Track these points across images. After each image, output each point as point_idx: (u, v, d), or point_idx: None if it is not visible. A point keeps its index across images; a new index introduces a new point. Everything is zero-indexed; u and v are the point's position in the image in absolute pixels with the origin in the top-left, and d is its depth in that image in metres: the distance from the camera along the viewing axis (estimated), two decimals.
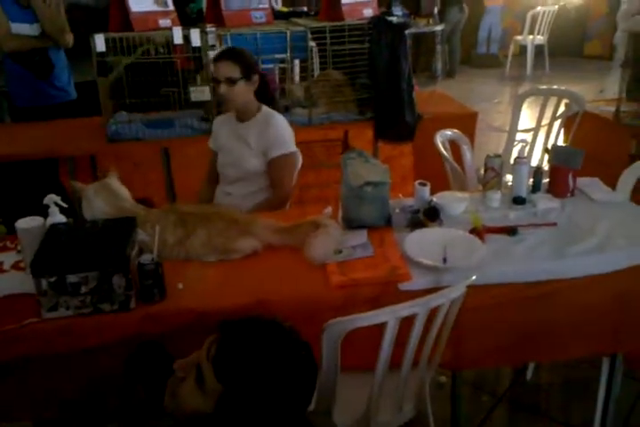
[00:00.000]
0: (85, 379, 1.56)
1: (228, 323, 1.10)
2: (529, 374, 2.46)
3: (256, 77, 2.38)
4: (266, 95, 2.50)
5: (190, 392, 1.09)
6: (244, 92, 2.37)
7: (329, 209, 2.18)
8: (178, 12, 3.23)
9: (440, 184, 2.35)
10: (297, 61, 3.39)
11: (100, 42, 2.85)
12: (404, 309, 1.44)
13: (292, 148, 2.45)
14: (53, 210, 1.78)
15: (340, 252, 1.85)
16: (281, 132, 2.42)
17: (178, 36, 2.93)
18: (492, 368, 2.51)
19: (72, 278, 1.51)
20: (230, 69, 2.32)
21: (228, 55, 2.37)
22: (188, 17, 4.12)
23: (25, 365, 1.55)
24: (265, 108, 2.47)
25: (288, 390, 1.07)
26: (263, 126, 2.41)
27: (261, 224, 1.90)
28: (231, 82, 2.32)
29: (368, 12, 3.33)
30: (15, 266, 1.83)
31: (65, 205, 1.81)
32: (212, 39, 3.00)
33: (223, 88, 2.32)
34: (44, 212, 1.81)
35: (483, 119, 4.00)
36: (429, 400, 1.73)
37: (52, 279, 1.50)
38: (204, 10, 3.84)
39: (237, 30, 3.07)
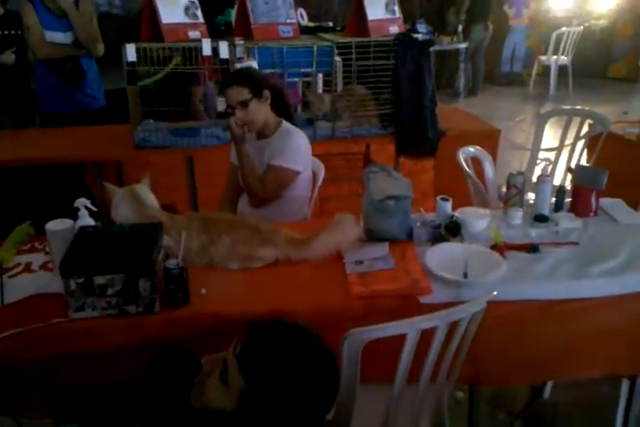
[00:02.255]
0: (108, 380, 1.58)
1: (256, 323, 1.13)
2: (546, 393, 2.44)
3: (267, 92, 2.39)
4: (283, 107, 2.50)
5: (215, 387, 1.12)
6: (258, 109, 2.38)
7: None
8: (207, 24, 3.30)
9: (461, 201, 2.36)
10: (320, 75, 3.43)
11: (130, 51, 2.91)
12: (424, 321, 1.45)
13: (293, 166, 2.41)
14: (83, 213, 1.82)
15: (362, 263, 1.87)
16: (291, 146, 2.41)
17: (207, 47, 2.99)
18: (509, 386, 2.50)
19: (99, 280, 1.54)
20: (239, 93, 2.33)
21: (233, 80, 2.39)
22: (217, 29, 4.20)
23: (50, 364, 1.57)
24: (285, 124, 2.47)
25: (309, 393, 1.09)
26: (283, 143, 2.42)
27: (283, 235, 1.92)
28: (243, 105, 2.34)
29: (394, 29, 3.37)
30: (43, 267, 1.87)
31: (94, 209, 1.85)
32: (239, 52, 3.05)
33: (239, 113, 2.34)
34: (70, 215, 1.85)
35: (505, 137, 4.01)
36: (447, 415, 1.73)
37: (80, 280, 1.54)
38: (233, 23, 3.91)
39: (265, 44, 3.12)
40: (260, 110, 2.39)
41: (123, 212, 1.94)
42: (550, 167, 2.56)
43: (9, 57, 3.47)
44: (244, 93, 2.33)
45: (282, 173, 2.42)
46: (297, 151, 2.43)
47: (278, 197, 2.46)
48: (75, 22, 3.39)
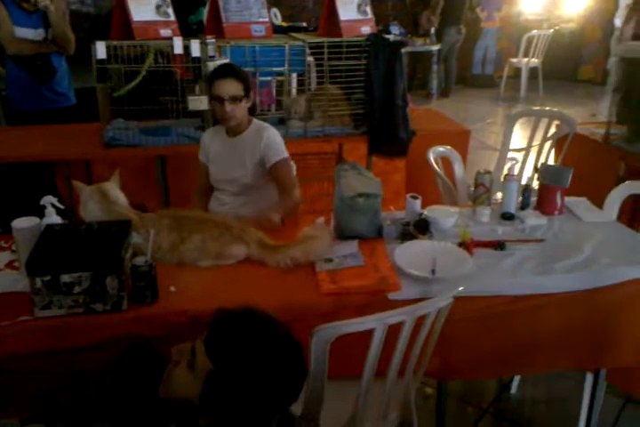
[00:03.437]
0: (75, 378, 1.57)
1: (223, 309, 1.14)
2: (514, 388, 2.49)
3: (251, 94, 2.42)
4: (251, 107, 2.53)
5: (181, 374, 1.13)
6: (244, 109, 2.40)
7: (321, 219, 2.21)
8: (179, 23, 3.29)
9: (431, 200, 2.39)
10: (294, 75, 3.44)
11: (101, 49, 2.88)
12: (391, 316, 1.47)
13: (286, 154, 2.49)
14: (50, 211, 1.80)
15: (331, 260, 1.88)
16: (273, 141, 2.44)
17: (178, 45, 2.97)
18: (477, 381, 2.54)
19: (66, 278, 1.53)
20: (235, 88, 2.33)
21: (232, 73, 2.36)
22: (188, 28, 4.18)
23: (16, 363, 1.55)
24: (255, 121, 2.50)
25: (274, 378, 1.10)
26: (256, 139, 2.43)
27: (254, 236, 1.92)
28: (235, 100, 2.33)
29: (366, 30, 3.39)
30: (9, 265, 1.85)
31: (62, 207, 1.83)
32: (211, 50, 3.04)
33: (228, 107, 2.33)
34: (38, 214, 1.82)
35: (476, 138, 4.07)
36: (414, 409, 1.75)
37: (47, 278, 1.52)
38: (205, 22, 3.90)
39: (237, 43, 3.11)
40: (246, 110, 2.42)
41: (91, 210, 1.92)
42: (518, 167, 2.61)
43: None
44: (239, 88, 2.34)
45: (289, 164, 2.49)
46: (280, 141, 2.48)
47: (264, 186, 2.49)
48: (52, 19, 3.36)
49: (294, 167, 2.59)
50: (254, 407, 1.11)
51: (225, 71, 2.40)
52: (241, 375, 1.08)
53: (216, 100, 2.36)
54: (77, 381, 1.56)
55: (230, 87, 2.33)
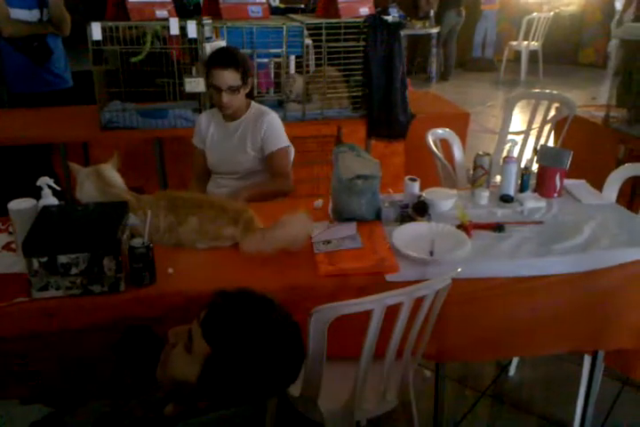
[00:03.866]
0: (73, 360, 1.57)
1: (221, 291, 1.13)
2: (512, 370, 2.50)
3: (250, 80, 2.39)
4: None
5: (179, 356, 1.12)
6: (242, 95, 2.38)
7: (319, 202, 2.21)
8: (175, 4, 3.25)
9: (430, 183, 2.37)
10: (292, 57, 3.41)
11: (96, 30, 2.85)
12: (390, 297, 1.47)
13: (287, 142, 2.48)
14: (46, 192, 1.79)
15: (329, 242, 1.87)
16: (274, 127, 2.43)
17: (174, 26, 2.93)
18: (475, 363, 2.55)
19: (63, 259, 1.52)
20: (233, 78, 2.30)
21: (231, 62, 2.31)
22: (185, 10, 4.14)
23: (14, 344, 1.56)
24: (254, 105, 2.48)
25: (272, 359, 1.10)
26: (256, 123, 2.42)
27: (245, 218, 1.88)
28: (234, 90, 2.31)
29: (364, 11, 3.36)
30: (6, 247, 1.84)
31: (58, 188, 1.82)
32: (208, 31, 3.01)
33: (226, 97, 2.31)
34: (35, 196, 1.81)
35: (475, 121, 4.05)
36: (413, 389, 1.75)
37: (44, 259, 1.51)
38: (202, 3, 3.85)
39: (234, 23, 3.08)
40: (244, 97, 2.40)
41: (87, 191, 1.91)
42: (517, 149, 2.59)
43: None
44: (237, 78, 2.31)
45: (286, 153, 2.48)
46: (280, 127, 2.47)
47: (264, 170, 2.48)
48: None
49: (293, 154, 2.57)
50: (253, 389, 1.11)
51: (223, 59, 2.33)
52: (239, 358, 1.08)
53: (214, 88, 2.34)
54: (75, 362, 1.56)
55: (228, 78, 2.30)
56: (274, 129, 2.43)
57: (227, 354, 1.08)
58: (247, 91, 2.40)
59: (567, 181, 2.31)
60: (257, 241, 1.80)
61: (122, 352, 1.49)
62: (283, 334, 1.12)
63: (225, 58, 2.34)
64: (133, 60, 2.96)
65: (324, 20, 3.15)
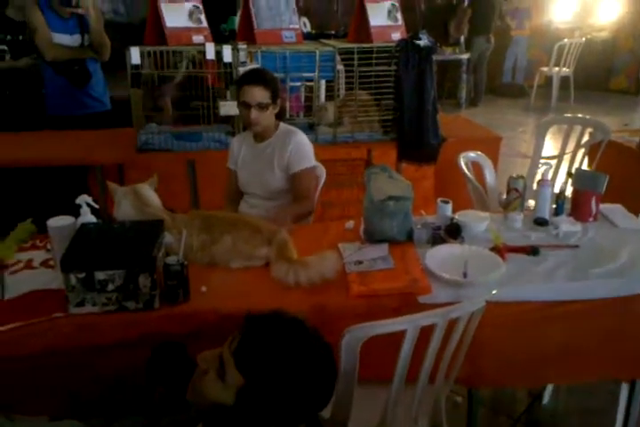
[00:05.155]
0: (107, 376, 1.58)
1: (251, 317, 1.13)
2: (546, 398, 2.43)
3: (280, 101, 2.42)
4: (281, 110, 2.52)
5: (212, 384, 1.12)
6: (271, 115, 2.41)
7: (351, 223, 2.21)
8: (211, 30, 3.33)
9: (460, 207, 2.35)
10: (323, 81, 3.45)
11: (135, 54, 2.94)
12: (423, 318, 1.45)
13: (313, 162, 2.49)
14: (85, 210, 1.83)
15: (361, 263, 1.87)
16: (300, 147, 2.45)
17: (210, 51, 3.01)
18: (508, 390, 2.49)
19: (100, 276, 1.55)
20: (262, 95, 2.34)
21: (260, 80, 2.36)
22: (220, 36, 4.24)
23: (48, 359, 1.57)
24: (282, 125, 2.51)
25: (306, 386, 1.09)
26: (283, 143, 2.44)
27: (280, 237, 1.90)
28: (262, 107, 2.35)
29: (396, 36, 3.40)
30: (44, 263, 1.88)
31: (96, 206, 1.85)
32: (243, 56, 3.07)
33: (254, 114, 2.34)
34: (71, 215, 1.85)
35: (506, 146, 4.03)
36: (445, 415, 1.72)
37: (81, 275, 1.54)
38: (237, 30, 3.94)
39: (268, 48, 3.14)
40: (272, 116, 2.42)
41: (124, 210, 1.95)
42: (551, 172, 2.57)
43: (26, 62, 3.56)
44: (266, 96, 2.34)
45: (312, 174, 2.50)
46: (308, 148, 2.49)
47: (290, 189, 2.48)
48: (92, 23, 3.44)
49: (322, 175, 2.59)
50: (287, 414, 1.11)
51: (253, 77, 2.39)
52: (274, 388, 1.08)
53: (243, 105, 2.38)
54: (107, 378, 1.57)
55: (257, 94, 2.34)
56: (300, 148, 2.45)
57: (261, 384, 1.08)
58: (276, 111, 2.43)
59: (603, 206, 2.27)
60: (285, 272, 1.79)
61: (155, 367, 1.50)
62: (316, 359, 1.12)
63: (255, 76, 2.41)
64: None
65: (356, 45, 3.20)
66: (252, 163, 2.52)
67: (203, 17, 3.23)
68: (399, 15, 3.44)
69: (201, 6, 3.22)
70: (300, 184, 2.45)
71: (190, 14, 3.17)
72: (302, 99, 3.44)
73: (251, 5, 3.22)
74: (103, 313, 1.59)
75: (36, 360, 1.57)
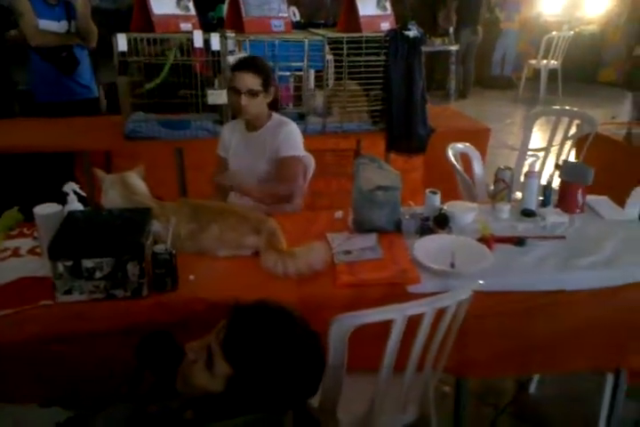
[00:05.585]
0: (95, 364, 1.58)
1: (238, 307, 1.13)
2: (532, 388, 2.46)
3: (272, 89, 2.40)
4: (274, 101, 2.50)
5: (200, 374, 1.12)
6: (261, 104, 2.39)
7: (340, 213, 2.21)
8: (199, 18, 3.30)
9: (449, 198, 2.36)
10: (312, 71, 3.44)
11: (121, 41, 2.90)
12: (411, 307, 1.46)
13: (301, 152, 2.48)
14: (72, 198, 1.82)
15: (350, 253, 1.87)
16: (291, 136, 2.43)
17: (198, 39, 2.98)
18: (495, 380, 2.51)
19: (87, 263, 1.54)
20: (253, 82, 2.32)
21: (252, 66, 2.35)
22: (208, 24, 4.20)
23: (35, 347, 1.56)
24: (276, 116, 2.49)
25: (294, 374, 1.10)
26: (275, 133, 2.43)
27: (269, 228, 1.90)
28: (252, 94, 2.33)
29: (385, 26, 3.39)
30: (31, 251, 1.87)
31: (83, 194, 1.84)
32: (231, 44, 3.05)
33: (244, 100, 2.32)
34: (57, 202, 1.84)
35: (494, 138, 4.03)
36: (433, 403, 1.73)
37: (69, 263, 1.53)
38: (225, 18, 3.91)
39: (256, 37, 3.12)
40: (262, 105, 2.40)
41: (112, 198, 1.93)
42: (538, 163, 2.58)
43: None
44: (256, 83, 2.32)
45: (296, 162, 2.46)
46: (299, 139, 2.47)
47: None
48: (78, 10, 3.40)
49: (311, 165, 2.58)
50: (275, 402, 1.11)
51: (245, 64, 2.39)
52: (262, 376, 1.08)
53: (233, 91, 2.36)
54: (95, 366, 1.56)
55: (248, 81, 2.32)
56: (290, 137, 2.43)
57: (250, 373, 1.08)
58: (268, 100, 2.41)
59: (589, 197, 2.29)
60: (274, 263, 1.79)
61: (143, 356, 1.49)
62: (304, 348, 1.12)
63: (247, 62, 2.40)
64: (147, 87, 2.99)
65: (345, 35, 3.18)
66: (243, 152, 2.50)
67: (191, 4, 3.21)
68: (388, 4, 3.43)
69: None
70: (284, 169, 2.42)
71: (178, 1, 3.14)
72: (292, 89, 3.42)
73: None
74: (91, 301, 1.59)
75: (24, 348, 1.56)
